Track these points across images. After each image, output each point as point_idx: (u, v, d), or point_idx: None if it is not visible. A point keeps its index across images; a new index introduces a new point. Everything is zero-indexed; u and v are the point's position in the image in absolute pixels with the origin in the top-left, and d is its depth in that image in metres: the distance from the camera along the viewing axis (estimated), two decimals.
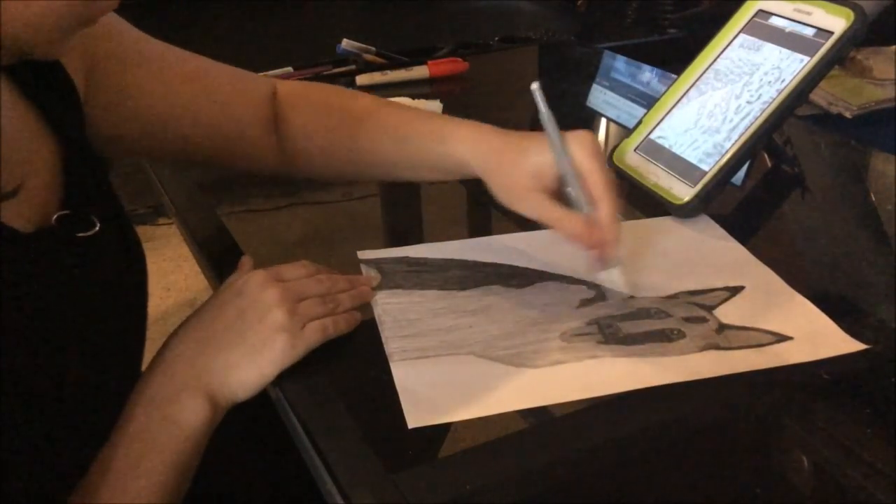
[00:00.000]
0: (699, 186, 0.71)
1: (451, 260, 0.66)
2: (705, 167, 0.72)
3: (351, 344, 0.57)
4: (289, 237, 0.77)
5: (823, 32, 0.70)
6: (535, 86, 0.58)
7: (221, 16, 1.97)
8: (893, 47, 1.12)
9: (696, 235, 0.70)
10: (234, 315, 0.54)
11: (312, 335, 0.54)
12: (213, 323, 0.54)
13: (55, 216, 0.50)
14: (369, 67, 1.17)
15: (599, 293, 0.62)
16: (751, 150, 0.71)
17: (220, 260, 0.70)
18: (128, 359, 0.59)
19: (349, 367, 0.55)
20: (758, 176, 0.82)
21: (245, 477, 0.72)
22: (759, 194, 0.81)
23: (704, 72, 0.78)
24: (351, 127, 0.67)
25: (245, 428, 0.77)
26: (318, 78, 1.14)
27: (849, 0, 0.69)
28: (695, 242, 0.69)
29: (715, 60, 0.78)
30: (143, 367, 0.62)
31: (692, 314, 0.58)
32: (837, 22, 0.69)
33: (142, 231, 2.16)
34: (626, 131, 0.84)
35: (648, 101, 0.89)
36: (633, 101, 0.93)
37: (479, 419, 0.49)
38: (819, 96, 1.04)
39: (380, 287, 0.63)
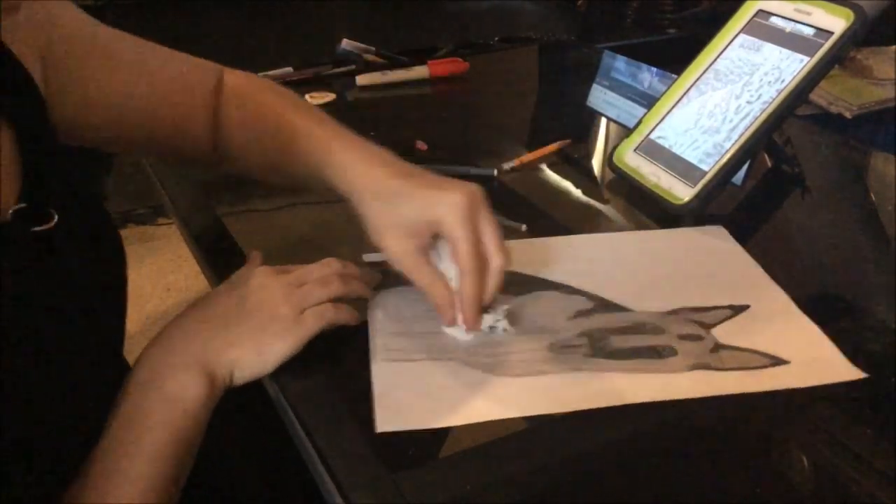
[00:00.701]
0: (699, 186, 0.71)
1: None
2: (705, 167, 0.72)
3: (351, 344, 0.57)
4: (289, 237, 0.77)
5: (823, 32, 0.70)
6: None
7: (221, 15, 1.96)
8: (893, 47, 1.12)
9: (710, 249, 0.68)
10: (234, 300, 0.55)
11: (311, 320, 0.54)
12: (214, 307, 0.55)
13: (11, 210, 0.49)
14: (369, 67, 1.17)
15: (598, 305, 0.61)
16: (751, 150, 0.71)
17: (220, 260, 0.70)
18: (105, 353, 0.58)
19: (349, 367, 0.55)
20: (758, 176, 0.82)
21: (245, 477, 0.72)
22: (759, 194, 0.81)
23: (704, 72, 0.78)
24: (279, 143, 0.65)
25: (245, 428, 0.77)
26: (318, 78, 1.14)
27: (849, 0, 0.70)
28: (707, 257, 0.68)
29: (715, 60, 0.78)
30: (126, 361, 0.61)
31: (688, 331, 0.57)
32: (837, 22, 0.69)
33: (142, 231, 2.17)
34: (626, 131, 0.84)
35: (648, 101, 0.89)
36: (633, 101, 0.93)
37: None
38: (819, 96, 1.04)
39: (380, 287, 0.63)
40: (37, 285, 0.50)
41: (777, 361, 0.54)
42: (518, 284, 0.63)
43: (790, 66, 0.71)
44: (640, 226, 0.75)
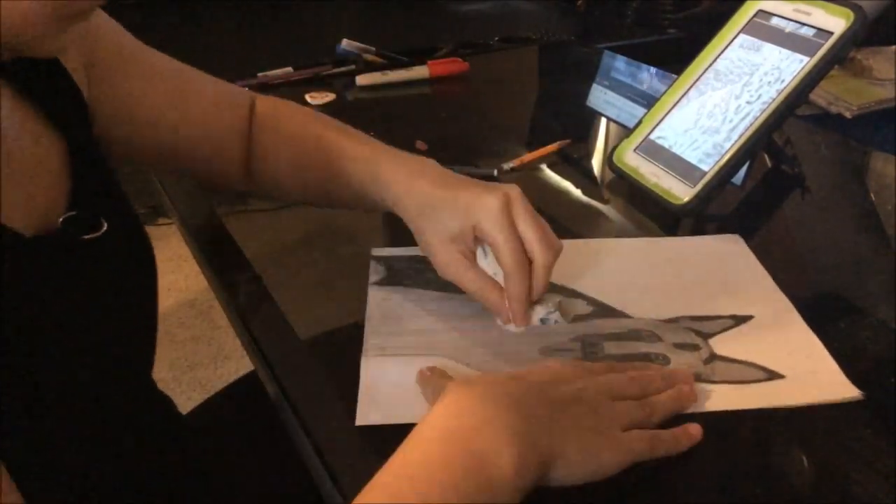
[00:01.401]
0: (699, 186, 0.71)
1: None
2: (705, 167, 0.72)
3: (351, 343, 0.57)
4: (289, 237, 0.77)
5: (823, 33, 0.70)
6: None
7: (222, 15, 1.96)
8: (893, 47, 1.12)
9: (723, 258, 0.67)
10: (558, 399, 0.46)
11: (638, 445, 0.45)
12: (538, 406, 0.45)
13: (61, 218, 0.49)
14: (369, 67, 1.17)
15: (597, 309, 0.61)
16: (751, 150, 0.71)
17: (220, 260, 0.70)
18: (137, 361, 0.59)
19: (349, 367, 0.55)
20: (758, 176, 0.82)
21: (245, 477, 0.72)
22: (759, 194, 0.81)
23: (704, 72, 0.78)
24: (321, 162, 0.65)
25: (245, 428, 0.78)
26: (318, 78, 1.15)
27: (849, 0, 0.70)
28: (719, 265, 0.66)
29: (715, 60, 0.78)
30: (153, 369, 0.62)
31: (685, 340, 0.56)
32: (837, 22, 0.69)
33: None
34: (626, 131, 0.84)
35: (648, 101, 0.89)
36: (633, 101, 0.93)
37: None
38: (819, 96, 1.04)
39: (382, 283, 0.63)
40: (84, 292, 0.50)
41: (772, 375, 0.53)
42: None
43: (790, 67, 0.71)
44: (639, 226, 0.75)
